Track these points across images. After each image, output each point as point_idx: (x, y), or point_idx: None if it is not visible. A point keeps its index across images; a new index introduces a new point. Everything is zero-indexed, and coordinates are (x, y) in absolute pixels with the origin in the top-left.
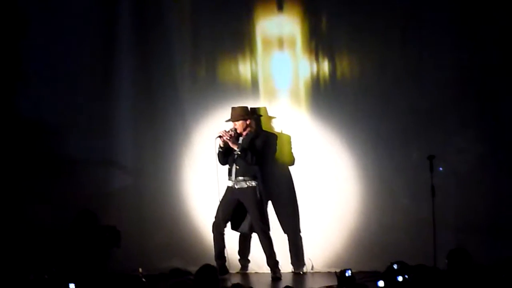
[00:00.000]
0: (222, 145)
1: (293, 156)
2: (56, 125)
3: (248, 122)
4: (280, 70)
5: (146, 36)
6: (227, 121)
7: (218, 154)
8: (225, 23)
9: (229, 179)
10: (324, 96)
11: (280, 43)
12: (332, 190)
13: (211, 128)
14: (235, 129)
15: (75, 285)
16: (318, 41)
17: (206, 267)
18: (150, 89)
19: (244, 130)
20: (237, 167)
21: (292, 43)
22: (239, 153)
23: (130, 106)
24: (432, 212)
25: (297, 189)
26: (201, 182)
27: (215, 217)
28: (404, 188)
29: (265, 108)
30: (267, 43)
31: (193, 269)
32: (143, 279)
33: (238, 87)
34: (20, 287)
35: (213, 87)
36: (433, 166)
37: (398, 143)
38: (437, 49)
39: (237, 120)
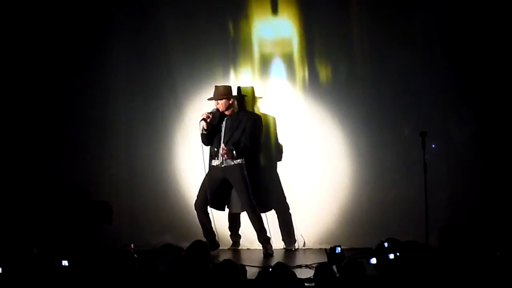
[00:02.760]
0: (205, 127)
1: (277, 139)
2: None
3: (230, 102)
4: (274, 46)
5: (140, 11)
6: (209, 99)
7: (202, 136)
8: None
9: (214, 159)
10: (315, 74)
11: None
12: (324, 167)
13: (204, 104)
14: (217, 109)
15: (68, 262)
16: (313, 21)
17: (197, 243)
18: (142, 64)
19: (227, 109)
20: (224, 149)
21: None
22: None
23: (123, 82)
24: (425, 189)
25: (289, 166)
26: (193, 158)
27: (197, 196)
28: (396, 165)
29: (252, 87)
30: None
31: (185, 244)
32: (135, 255)
33: (232, 63)
34: (10, 262)
35: (205, 63)
36: (425, 143)
37: (390, 120)
38: (429, 28)
39: (220, 99)
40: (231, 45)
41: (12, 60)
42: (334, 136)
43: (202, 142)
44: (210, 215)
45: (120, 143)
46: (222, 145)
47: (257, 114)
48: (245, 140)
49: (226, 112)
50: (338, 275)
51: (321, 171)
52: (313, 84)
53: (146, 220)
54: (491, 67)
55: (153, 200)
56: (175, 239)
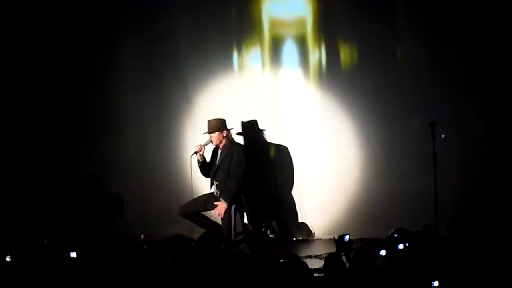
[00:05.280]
0: (200, 160)
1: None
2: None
3: (224, 134)
4: (286, 42)
5: (147, 3)
6: (204, 133)
7: (198, 167)
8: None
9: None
10: (326, 65)
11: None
12: (333, 157)
13: (213, 94)
14: (211, 141)
15: (77, 254)
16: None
17: (207, 234)
18: (151, 57)
19: (220, 142)
20: (217, 182)
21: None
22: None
23: (132, 75)
24: (434, 179)
25: (298, 156)
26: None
27: (189, 202)
28: (406, 155)
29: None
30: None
31: (195, 235)
32: (145, 245)
33: (240, 48)
34: (20, 252)
35: (214, 53)
36: (435, 133)
37: (400, 110)
38: (440, 17)
39: (213, 132)
40: (239, 29)
41: (27, 55)
42: (343, 126)
43: (201, 173)
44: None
45: (130, 135)
46: (221, 203)
47: (240, 144)
48: (234, 173)
49: (220, 145)
50: (347, 265)
51: (330, 161)
52: (325, 72)
53: (156, 211)
54: (501, 56)
55: (163, 191)
56: (185, 230)
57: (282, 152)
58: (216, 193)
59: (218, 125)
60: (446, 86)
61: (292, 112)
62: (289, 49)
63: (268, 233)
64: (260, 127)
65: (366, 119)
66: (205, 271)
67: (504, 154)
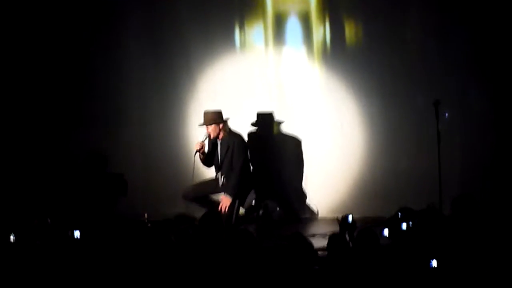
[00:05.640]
0: (202, 157)
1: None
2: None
3: (221, 126)
4: (289, 18)
5: None
6: (200, 125)
7: (201, 162)
8: None
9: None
10: (329, 44)
11: None
12: (337, 136)
13: (216, 73)
14: (209, 134)
15: (80, 232)
16: None
17: (210, 213)
18: (155, 37)
19: (218, 134)
20: (223, 176)
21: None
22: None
23: (135, 56)
24: (438, 158)
25: (301, 136)
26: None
27: (192, 187)
28: (409, 134)
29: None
30: None
31: (198, 215)
32: (148, 225)
33: (243, 26)
34: (23, 232)
35: (216, 31)
36: (439, 112)
37: (403, 89)
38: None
39: (210, 124)
40: (242, 6)
41: (30, 42)
42: (347, 106)
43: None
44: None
45: (133, 114)
46: (225, 197)
47: (240, 135)
48: (235, 167)
49: (218, 137)
50: (351, 244)
51: (334, 141)
52: (330, 50)
53: (159, 190)
54: (506, 34)
55: (167, 171)
56: (189, 209)
57: (286, 133)
58: (221, 185)
59: (214, 118)
60: (450, 65)
61: (296, 92)
62: (293, 26)
63: (266, 213)
64: (266, 110)
65: (370, 98)
66: (209, 250)
67: (508, 133)
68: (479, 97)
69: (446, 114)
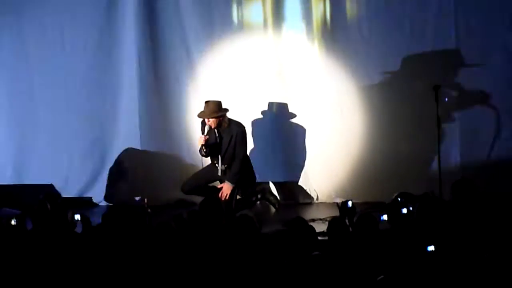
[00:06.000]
0: (206, 151)
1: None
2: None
3: (222, 118)
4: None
5: None
6: (199, 116)
7: (203, 155)
8: None
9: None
10: (329, 27)
11: None
12: (337, 120)
13: (216, 59)
14: (210, 126)
15: (80, 216)
16: None
17: (210, 199)
18: (154, 20)
19: (219, 125)
20: (225, 166)
21: None
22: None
23: (134, 37)
24: (438, 143)
25: (301, 120)
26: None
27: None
28: (409, 118)
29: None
30: None
31: (198, 200)
32: (149, 210)
33: (241, 7)
34: (23, 217)
35: (217, 12)
36: (439, 97)
37: (403, 73)
38: None
39: (211, 117)
40: None
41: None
42: (347, 89)
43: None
44: None
45: (133, 98)
46: (226, 185)
47: (242, 125)
48: (238, 157)
49: (219, 128)
50: (350, 229)
51: (334, 125)
52: (326, 38)
53: (159, 175)
54: (506, 19)
55: (167, 155)
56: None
57: (286, 115)
58: (222, 174)
59: (216, 110)
60: (450, 49)
61: (296, 75)
62: (292, 2)
63: (263, 199)
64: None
65: (370, 82)
66: (209, 236)
67: (508, 117)
68: (478, 81)
69: (446, 99)
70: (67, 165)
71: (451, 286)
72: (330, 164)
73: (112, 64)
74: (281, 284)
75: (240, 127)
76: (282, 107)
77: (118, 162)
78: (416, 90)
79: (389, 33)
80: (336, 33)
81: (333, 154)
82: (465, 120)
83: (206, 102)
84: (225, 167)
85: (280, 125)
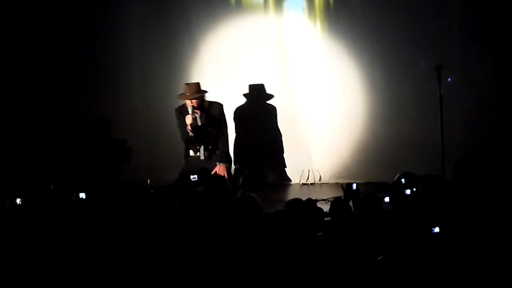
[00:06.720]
0: (193, 132)
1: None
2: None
3: (202, 98)
4: None
5: None
6: (180, 97)
7: (188, 139)
8: None
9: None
10: (331, 6)
11: None
12: (340, 102)
13: (219, 39)
14: (193, 107)
15: (85, 195)
16: None
17: (215, 177)
18: (157, 1)
19: (200, 106)
20: (209, 147)
21: None
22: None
23: (137, 19)
24: (440, 123)
25: (304, 100)
26: (209, 94)
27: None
28: (412, 99)
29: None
30: None
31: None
32: (151, 190)
33: None
34: (27, 198)
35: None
36: (441, 77)
37: (406, 54)
38: None
39: (194, 98)
40: None
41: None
42: (349, 71)
43: (186, 142)
44: None
45: (135, 79)
46: (220, 166)
47: (221, 104)
48: (223, 135)
49: (200, 109)
50: (353, 210)
51: (336, 106)
52: (328, 20)
53: (162, 155)
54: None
55: (169, 135)
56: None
57: (287, 96)
58: (205, 157)
59: (196, 90)
60: (452, 29)
61: (297, 54)
62: None
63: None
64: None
65: (372, 63)
66: (214, 215)
67: (510, 96)
68: (481, 61)
69: (449, 79)
70: None
71: (454, 267)
72: (332, 145)
73: (116, 46)
74: (285, 265)
75: (220, 106)
76: (284, 87)
77: (121, 142)
78: (418, 70)
79: (392, 13)
80: (338, 13)
81: (336, 135)
82: (467, 100)
83: (186, 84)
84: (206, 151)
85: (282, 106)
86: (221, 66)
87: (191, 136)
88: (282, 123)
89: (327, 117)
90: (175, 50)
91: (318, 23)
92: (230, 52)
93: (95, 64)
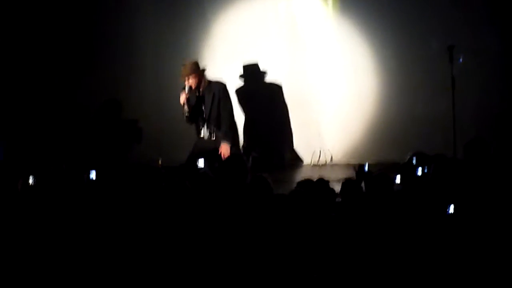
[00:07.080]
0: (188, 110)
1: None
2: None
3: (201, 77)
4: None
5: None
6: (181, 78)
7: (186, 118)
8: None
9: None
10: None
11: None
12: (351, 82)
13: (230, 19)
14: (190, 86)
15: (96, 173)
16: None
17: (234, 156)
18: None
19: (199, 85)
20: (214, 128)
21: None
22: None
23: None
24: (452, 104)
25: (316, 81)
26: (221, 73)
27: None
28: (424, 79)
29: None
30: None
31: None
32: (163, 170)
33: None
34: (40, 178)
35: None
36: (453, 57)
37: (417, 33)
38: None
39: (191, 75)
40: None
41: None
42: (361, 51)
43: (187, 121)
44: None
45: (147, 60)
46: (223, 145)
47: (222, 82)
48: (224, 113)
49: (200, 88)
50: (364, 189)
51: (348, 86)
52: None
53: (173, 135)
54: None
55: (180, 116)
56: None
57: (299, 77)
58: (212, 137)
59: (193, 68)
60: (464, 9)
61: (309, 34)
62: None
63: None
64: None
65: (383, 42)
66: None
67: None
68: (493, 41)
69: (460, 59)
70: None
71: (464, 249)
72: (344, 125)
73: (128, 26)
74: (296, 245)
75: (221, 84)
76: (295, 67)
77: (132, 122)
78: (430, 50)
79: None
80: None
81: (348, 115)
82: (479, 80)
83: (183, 64)
84: (212, 130)
85: (294, 86)
86: (233, 46)
87: (186, 116)
88: (294, 103)
89: (338, 97)
90: (187, 30)
91: (330, 2)
92: (241, 32)
93: (106, 45)
